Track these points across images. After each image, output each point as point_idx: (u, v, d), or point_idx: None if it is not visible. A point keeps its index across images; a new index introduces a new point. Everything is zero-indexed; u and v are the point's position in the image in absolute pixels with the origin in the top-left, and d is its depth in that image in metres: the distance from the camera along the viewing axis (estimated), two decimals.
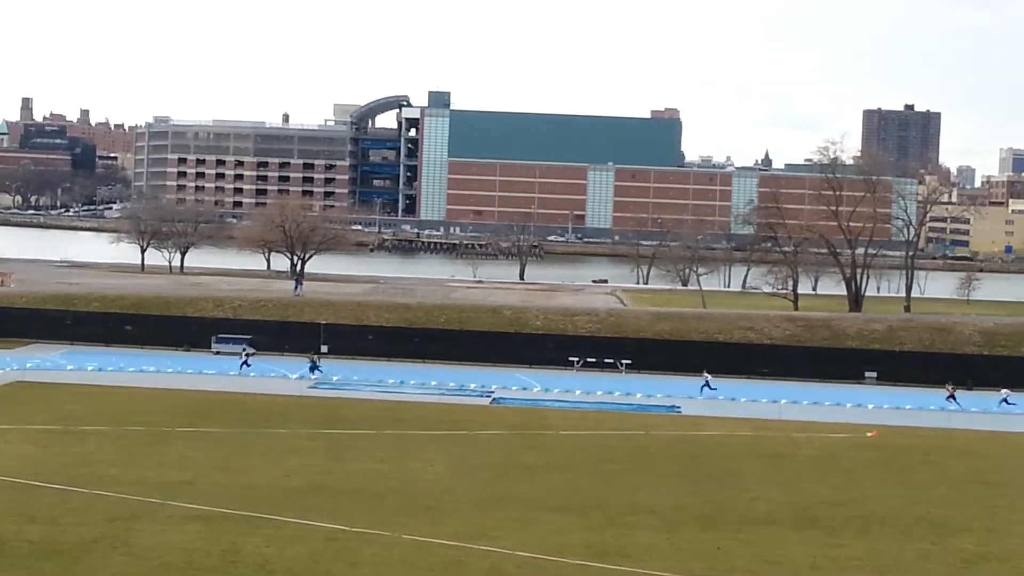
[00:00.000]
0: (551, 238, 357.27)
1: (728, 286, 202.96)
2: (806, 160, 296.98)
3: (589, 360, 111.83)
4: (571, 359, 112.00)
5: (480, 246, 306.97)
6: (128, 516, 56.26)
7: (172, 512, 57.24)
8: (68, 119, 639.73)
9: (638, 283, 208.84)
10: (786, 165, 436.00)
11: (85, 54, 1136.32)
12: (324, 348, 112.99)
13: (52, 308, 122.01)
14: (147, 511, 57.27)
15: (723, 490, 66.84)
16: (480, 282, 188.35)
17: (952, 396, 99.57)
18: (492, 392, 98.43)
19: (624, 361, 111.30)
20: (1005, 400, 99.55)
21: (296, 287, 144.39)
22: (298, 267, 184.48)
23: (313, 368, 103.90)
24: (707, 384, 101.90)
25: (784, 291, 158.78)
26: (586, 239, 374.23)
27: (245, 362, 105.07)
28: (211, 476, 65.19)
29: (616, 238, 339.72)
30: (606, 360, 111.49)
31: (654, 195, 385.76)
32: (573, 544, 54.37)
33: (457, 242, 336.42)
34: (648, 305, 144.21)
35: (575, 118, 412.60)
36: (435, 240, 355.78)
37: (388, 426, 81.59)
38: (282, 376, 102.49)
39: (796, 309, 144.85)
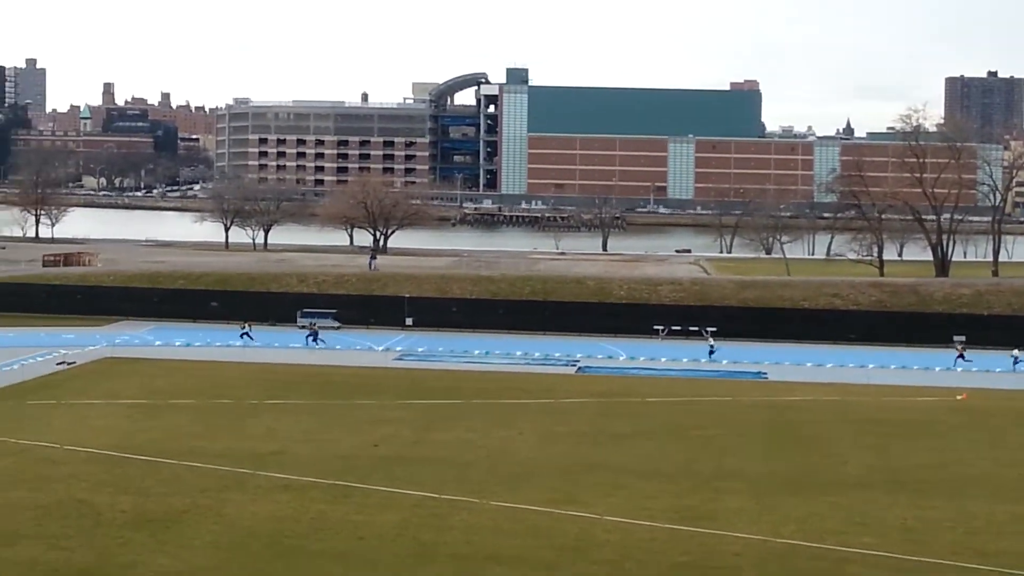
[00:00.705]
0: (638, 209, 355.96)
1: (812, 254, 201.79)
2: (888, 128, 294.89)
3: (674, 328, 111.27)
4: (656, 328, 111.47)
5: (562, 219, 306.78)
6: (218, 487, 56.65)
7: (261, 482, 57.57)
8: (149, 102, 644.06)
9: (721, 252, 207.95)
10: (868, 134, 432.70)
11: (164, 38, 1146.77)
12: (409, 320, 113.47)
13: (139, 286, 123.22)
14: (237, 482, 57.63)
15: (812, 455, 66.48)
16: (563, 254, 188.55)
17: (961, 355, 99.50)
18: (577, 361, 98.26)
19: (709, 329, 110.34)
20: (1015, 359, 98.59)
21: (370, 262, 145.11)
22: (380, 242, 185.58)
23: (313, 337, 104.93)
24: (711, 349, 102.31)
25: (869, 257, 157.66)
26: (671, 210, 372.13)
27: (246, 332, 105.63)
28: (299, 447, 65.47)
29: (698, 208, 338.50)
30: (691, 328, 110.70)
31: (735, 166, 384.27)
32: (662, 509, 54.15)
33: (539, 215, 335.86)
34: (732, 274, 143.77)
35: (654, 92, 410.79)
36: (517, 213, 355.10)
37: (475, 396, 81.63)
38: (368, 349, 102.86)
39: (882, 275, 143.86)
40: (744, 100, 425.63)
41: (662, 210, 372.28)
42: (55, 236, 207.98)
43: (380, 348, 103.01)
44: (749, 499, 56.45)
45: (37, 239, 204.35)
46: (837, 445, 69.09)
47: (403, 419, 73.78)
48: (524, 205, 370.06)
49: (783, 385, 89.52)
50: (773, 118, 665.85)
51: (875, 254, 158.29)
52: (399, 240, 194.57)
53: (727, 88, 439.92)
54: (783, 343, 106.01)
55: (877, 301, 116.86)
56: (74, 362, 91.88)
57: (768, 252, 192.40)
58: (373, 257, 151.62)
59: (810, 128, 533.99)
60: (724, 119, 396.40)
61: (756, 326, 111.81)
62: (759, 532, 50.95)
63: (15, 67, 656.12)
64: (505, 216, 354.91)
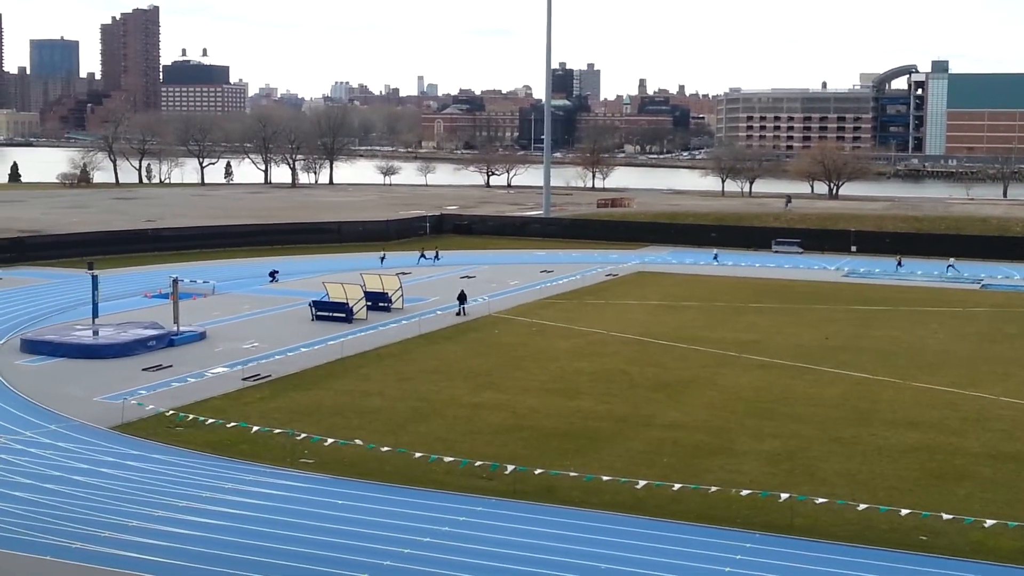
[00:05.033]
0: None
1: None
2: None
3: None
4: None
5: (972, 173, 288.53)
6: (714, 363, 56.80)
7: (744, 362, 57.33)
8: (670, 92, 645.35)
9: None
10: None
11: (680, 46, 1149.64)
12: (853, 248, 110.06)
13: (661, 221, 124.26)
14: (727, 361, 57.61)
15: None
16: (972, 199, 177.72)
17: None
18: (982, 279, 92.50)
19: None
20: None
21: (786, 204, 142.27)
22: (833, 190, 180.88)
23: (426, 257, 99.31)
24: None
25: None
26: None
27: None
28: (772, 338, 64.70)
29: None
30: None
31: None
32: None
33: (954, 170, 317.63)
34: None
35: None
36: (936, 169, 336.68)
37: (902, 304, 78.43)
38: (822, 268, 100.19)
39: None
40: None
41: None
42: (605, 186, 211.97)
43: (832, 267, 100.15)
44: None
45: (593, 188, 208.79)
46: None
47: (847, 319, 71.78)
48: (942, 163, 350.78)
49: None
50: None
51: None
52: (847, 189, 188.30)
53: None
54: None
55: None
56: (617, 274, 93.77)
57: None
58: (789, 201, 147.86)
59: None
60: None
61: None
62: None
63: (579, 69, 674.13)
64: (927, 171, 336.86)
